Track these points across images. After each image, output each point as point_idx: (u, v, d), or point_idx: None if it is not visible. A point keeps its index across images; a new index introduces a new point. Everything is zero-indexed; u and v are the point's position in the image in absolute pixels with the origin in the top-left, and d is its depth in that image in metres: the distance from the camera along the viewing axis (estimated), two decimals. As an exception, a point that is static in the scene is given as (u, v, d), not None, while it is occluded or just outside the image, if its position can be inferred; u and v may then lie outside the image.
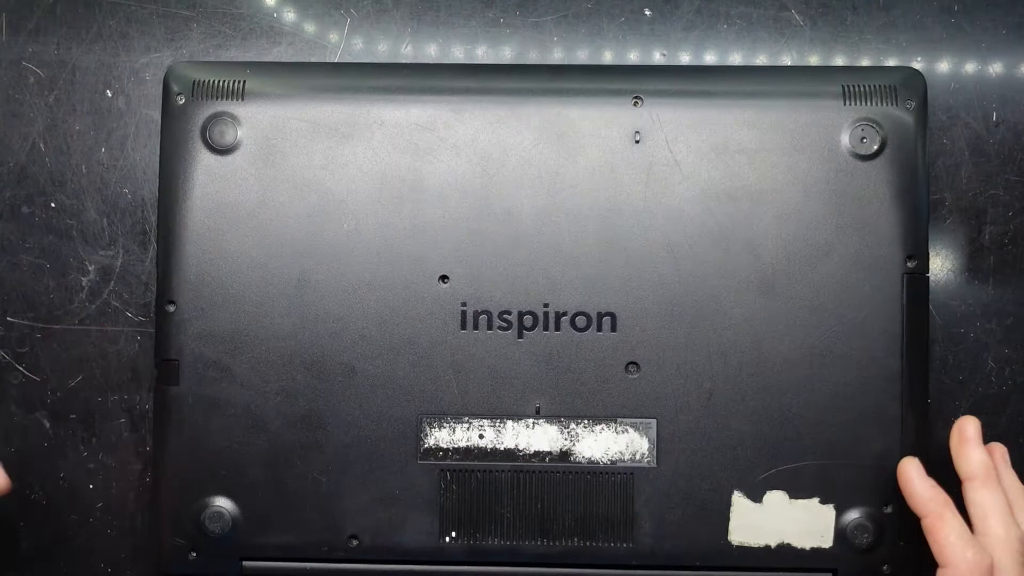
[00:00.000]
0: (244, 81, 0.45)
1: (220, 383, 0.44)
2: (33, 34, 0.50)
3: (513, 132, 0.45)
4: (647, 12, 0.51)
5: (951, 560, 0.39)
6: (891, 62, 0.50)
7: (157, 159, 0.47)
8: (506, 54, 0.50)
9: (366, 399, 0.44)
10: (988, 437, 0.44)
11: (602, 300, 0.44)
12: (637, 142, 0.45)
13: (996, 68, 0.50)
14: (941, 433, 0.48)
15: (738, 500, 0.44)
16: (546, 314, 0.44)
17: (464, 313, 0.44)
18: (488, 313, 0.44)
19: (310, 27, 0.51)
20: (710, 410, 0.44)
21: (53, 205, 0.50)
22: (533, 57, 0.50)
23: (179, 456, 0.44)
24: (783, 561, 0.44)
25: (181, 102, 0.45)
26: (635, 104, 0.45)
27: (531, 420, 0.44)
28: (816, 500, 0.44)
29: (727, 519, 0.44)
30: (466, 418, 0.44)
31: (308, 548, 0.44)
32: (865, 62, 0.50)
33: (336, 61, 0.50)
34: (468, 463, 0.44)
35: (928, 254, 0.45)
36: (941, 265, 0.49)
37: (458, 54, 0.50)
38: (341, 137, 0.45)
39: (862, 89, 0.45)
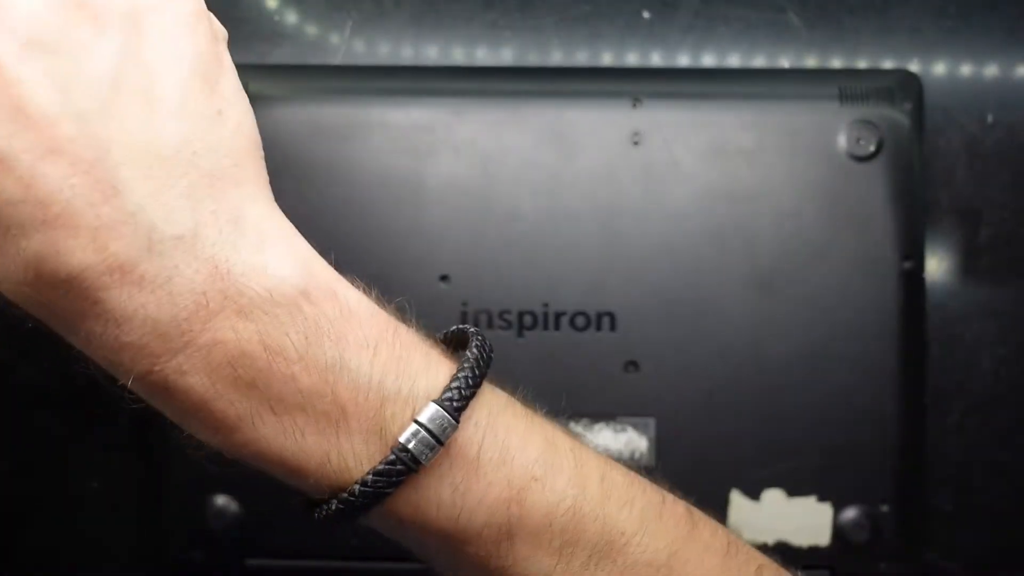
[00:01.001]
0: (246, 83, 0.45)
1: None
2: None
3: (513, 134, 0.45)
4: (646, 15, 0.51)
5: None
6: (887, 64, 0.50)
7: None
8: (506, 56, 0.51)
9: (367, 398, 0.44)
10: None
11: (601, 300, 0.44)
12: (636, 143, 0.45)
13: (991, 70, 0.50)
14: (938, 433, 0.48)
15: (736, 498, 0.44)
16: (546, 314, 0.44)
17: (464, 313, 0.44)
18: (488, 313, 0.44)
19: (312, 29, 0.51)
20: (708, 409, 0.44)
21: (56, 206, 0.50)
22: (532, 59, 0.51)
23: (182, 454, 0.44)
24: (780, 559, 0.44)
25: (184, 104, 0.45)
26: (634, 106, 0.45)
27: (531, 419, 0.45)
28: (813, 498, 0.44)
29: (725, 517, 0.44)
30: (466, 417, 0.44)
31: (311, 546, 0.44)
32: (862, 64, 0.50)
33: (337, 63, 0.51)
34: (468, 462, 0.45)
35: (924, 254, 0.45)
36: (937, 266, 0.49)
37: (458, 56, 0.51)
38: (342, 139, 0.45)
39: (859, 91, 0.45)
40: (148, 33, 0.28)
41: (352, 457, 0.28)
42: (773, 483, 0.44)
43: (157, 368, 0.27)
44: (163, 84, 0.27)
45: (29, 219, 0.25)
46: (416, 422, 0.28)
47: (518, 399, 0.32)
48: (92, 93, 0.26)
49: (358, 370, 0.28)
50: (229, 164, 0.28)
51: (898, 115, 0.45)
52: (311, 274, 0.28)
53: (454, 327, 0.32)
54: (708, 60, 0.51)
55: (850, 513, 0.44)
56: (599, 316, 0.44)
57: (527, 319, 0.44)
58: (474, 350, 0.30)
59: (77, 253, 0.25)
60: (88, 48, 0.26)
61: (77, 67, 0.26)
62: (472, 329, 0.31)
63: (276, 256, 0.28)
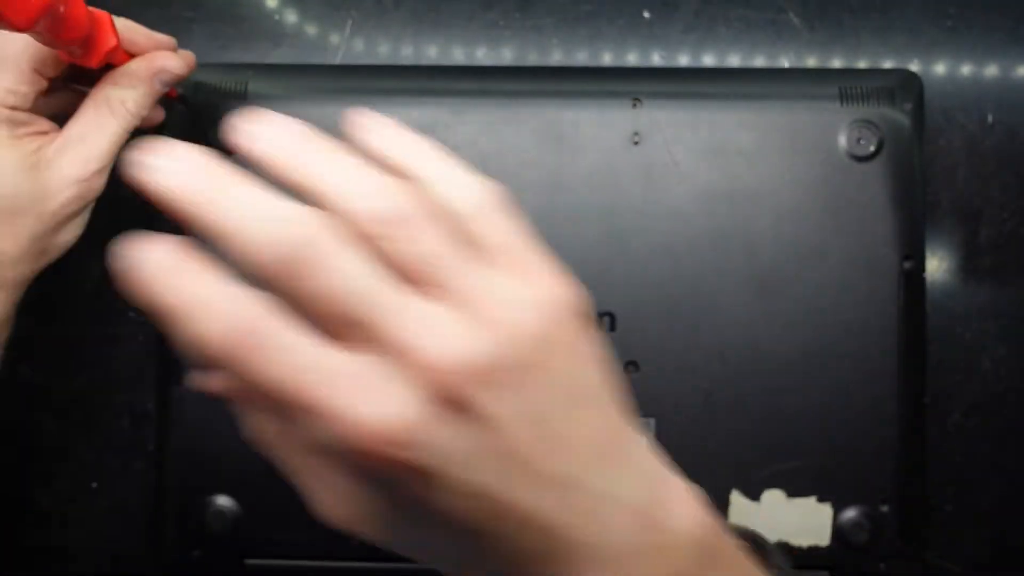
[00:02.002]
0: (247, 83, 0.45)
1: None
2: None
3: (513, 134, 0.45)
4: (646, 15, 0.51)
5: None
6: (888, 64, 0.50)
7: (160, 160, 0.47)
8: (506, 56, 0.51)
9: (367, 398, 0.44)
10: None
11: (601, 300, 0.44)
12: (636, 144, 0.45)
13: (992, 71, 0.50)
14: (938, 433, 0.49)
15: (736, 499, 0.44)
16: (546, 314, 0.44)
17: (464, 313, 0.44)
18: (488, 313, 0.44)
19: (312, 29, 0.51)
20: (708, 409, 0.44)
21: (56, 206, 0.50)
22: (533, 59, 0.51)
23: (182, 455, 0.44)
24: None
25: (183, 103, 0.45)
26: (634, 106, 0.45)
27: (531, 419, 0.44)
28: (813, 499, 0.44)
29: (725, 517, 0.44)
30: (466, 417, 0.44)
31: (310, 546, 0.44)
32: (862, 64, 0.50)
33: (337, 63, 0.51)
34: (468, 462, 0.44)
35: (924, 254, 0.45)
36: (937, 266, 0.50)
37: (458, 56, 0.51)
38: (342, 139, 0.45)
39: (859, 91, 0.45)
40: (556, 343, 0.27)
41: None
42: (773, 483, 0.44)
43: None
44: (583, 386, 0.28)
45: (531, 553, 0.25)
46: None
47: None
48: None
49: None
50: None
51: (898, 115, 0.45)
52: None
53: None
54: (708, 60, 0.51)
55: (850, 513, 0.44)
56: (599, 316, 0.44)
57: (527, 319, 0.44)
58: None
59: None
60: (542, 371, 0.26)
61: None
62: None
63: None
